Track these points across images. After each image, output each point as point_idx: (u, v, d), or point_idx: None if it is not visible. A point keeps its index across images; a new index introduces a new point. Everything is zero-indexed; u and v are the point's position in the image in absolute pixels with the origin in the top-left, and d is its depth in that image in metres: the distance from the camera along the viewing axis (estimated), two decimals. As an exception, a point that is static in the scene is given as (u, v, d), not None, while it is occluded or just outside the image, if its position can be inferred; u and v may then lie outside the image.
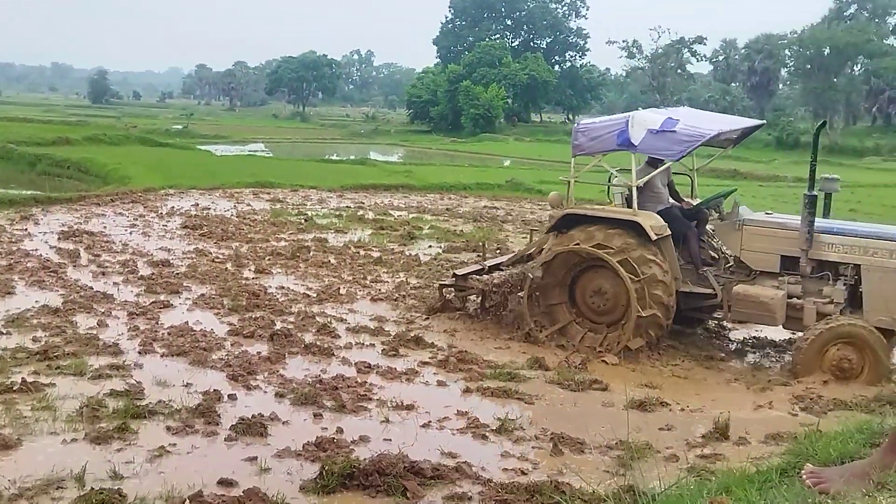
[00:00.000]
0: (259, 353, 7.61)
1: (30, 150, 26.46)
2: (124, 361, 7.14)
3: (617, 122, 8.44)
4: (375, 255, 12.70)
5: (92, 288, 9.70)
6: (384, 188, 22.01)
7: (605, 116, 9.86)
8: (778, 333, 9.39)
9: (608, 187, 9.47)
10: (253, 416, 5.91)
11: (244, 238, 13.62)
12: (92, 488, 4.67)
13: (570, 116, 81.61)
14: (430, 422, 6.18)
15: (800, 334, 8.64)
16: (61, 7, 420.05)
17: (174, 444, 5.49)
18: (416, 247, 13.78)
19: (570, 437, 5.95)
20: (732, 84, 71.49)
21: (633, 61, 71.50)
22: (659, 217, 8.34)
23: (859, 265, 7.83)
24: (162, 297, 9.45)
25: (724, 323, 9.59)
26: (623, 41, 70.47)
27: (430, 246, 13.93)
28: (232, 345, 7.88)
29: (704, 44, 70.07)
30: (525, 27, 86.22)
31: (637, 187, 8.24)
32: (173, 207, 16.66)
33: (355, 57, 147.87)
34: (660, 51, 68.77)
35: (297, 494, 4.87)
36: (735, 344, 9.26)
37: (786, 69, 71.42)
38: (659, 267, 8.01)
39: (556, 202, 8.98)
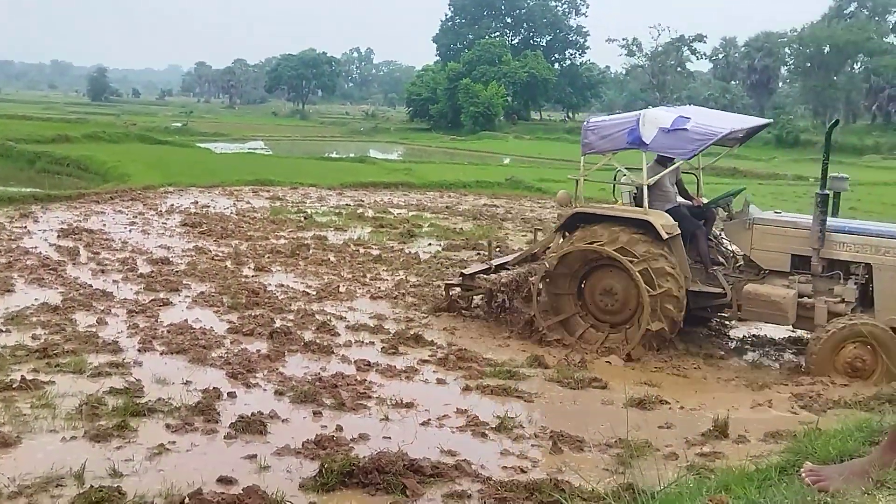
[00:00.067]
0: (258, 350, 7.61)
1: (29, 148, 26.46)
2: (124, 359, 7.14)
3: (627, 120, 8.41)
4: (375, 252, 12.70)
5: (91, 286, 9.70)
6: (384, 186, 22.00)
7: (614, 115, 9.83)
8: (778, 332, 9.40)
9: (613, 186, 9.45)
10: (252, 414, 5.91)
11: (244, 236, 13.62)
12: (91, 486, 4.67)
13: (570, 115, 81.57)
14: (429, 420, 6.18)
15: (808, 334, 8.66)
16: (61, 5, 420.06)
17: (174, 442, 5.49)
18: (416, 245, 13.78)
19: (569, 436, 5.95)
20: (732, 82, 71.49)
21: (632, 59, 71.68)
22: (669, 216, 8.32)
23: (871, 264, 7.83)
24: (161, 295, 9.45)
25: (725, 321, 9.59)
26: (623, 39, 70.72)
27: (430, 244, 13.93)
28: (231, 343, 7.87)
29: (704, 42, 70.20)
30: (525, 25, 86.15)
31: (644, 187, 8.22)
32: (173, 205, 16.65)
33: (355, 55, 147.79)
34: (660, 49, 68.79)
35: (296, 492, 4.87)
36: (735, 342, 9.26)
37: (786, 67, 71.44)
38: (675, 280, 7.96)
39: (565, 201, 8.92)
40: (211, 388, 6.46)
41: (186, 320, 8.42)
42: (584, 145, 8.62)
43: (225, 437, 5.66)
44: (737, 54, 73.11)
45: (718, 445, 5.90)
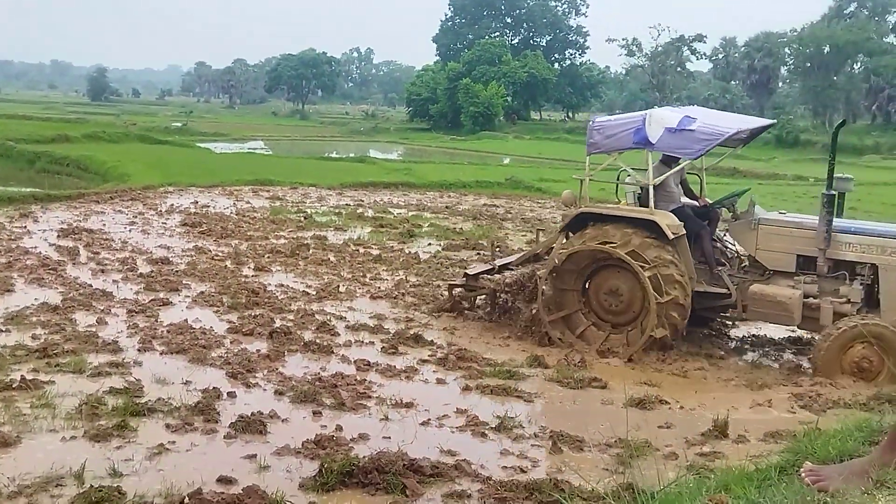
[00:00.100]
0: (258, 350, 7.61)
1: (29, 148, 26.47)
2: (123, 359, 7.14)
3: (633, 119, 8.39)
4: (375, 252, 12.70)
5: (91, 285, 9.70)
6: (384, 186, 22.01)
7: (617, 114, 9.80)
8: (777, 332, 9.40)
9: (616, 186, 9.42)
10: (252, 414, 5.91)
11: (243, 236, 13.62)
12: (91, 486, 4.67)
13: (570, 115, 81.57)
14: (429, 420, 6.18)
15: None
16: (61, 5, 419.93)
17: (173, 442, 5.49)
18: (416, 245, 13.78)
19: (569, 435, 5.95)
20: (732, 82, 71.49)
21: (632, 59, 71.61)
22: (674, 216, 8.29)
23: (877, 265, 7.83)
24: (161, 295, 9.45)
25: (726, 321, 9.58)
26: (623, 39, 70.59)
27: (430, 244, 13.93)
28: (231, 342, 7.88)
29: (704, 42, 70.15)
30: (525, 25, 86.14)
31: (649, 187, 8.20)
32: (172, 205, 16.65)
33: (355, 54, 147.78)
34: (659, 49, 68.75)
35: (296, 492, 4.87)
36: (734, 342, 9.26)
37: (785, 67, 71.43)
38: (682, 289, 7.91)
39: (570, 200, 8.87)
40: (211, 387, 6.46)
41: (186, 320, 8.42)
42: (589, 145, 8.57)
43: (225, 437, 5.66)
44: (737, 54, 73.11)
45: (718, 445, 5.90)
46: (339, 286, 10.40)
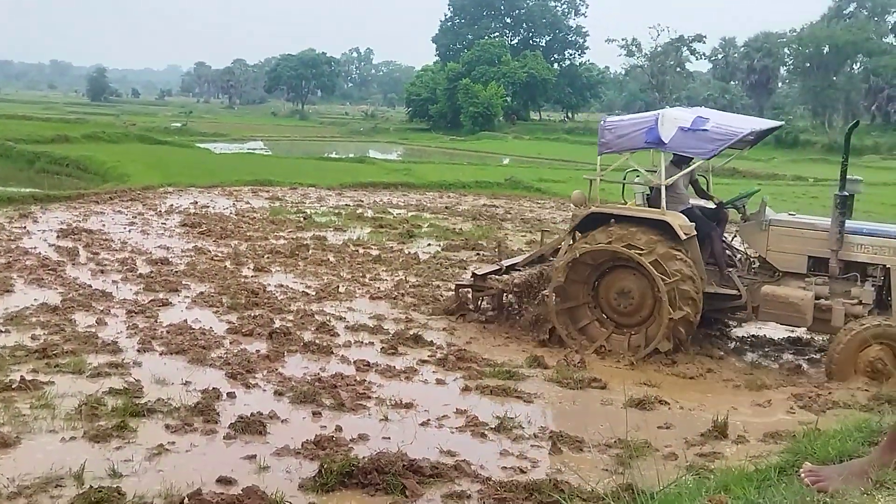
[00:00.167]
0: (258, 351, 7.61)
1: (29, 148, 26.46)
2: (123, 359, 7.14)
3: (646, 119, 8.35)
4: (374, 253, 12.70)
5: (91, 286, 9.69)
6: (383, 186, 22.01)
7: (630, 114, 9.75)
8: (777, 332, 9.40)
9: (623, 186, 9.36)
10: (252, 415, 5.92)
11: (243, 236, 13.62)
12: (91, 486, 4.67)
13: (570, 115, 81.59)
14: (428, 420, 6.18)
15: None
16: (60, 5, 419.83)
17: (173, 443, 5.49)
18: (416, 245, 13.78)
19: (568, 436, 5.96)
20: (731, 82, 71.50)
21: (632, 59, 71.59)
22: (685, 217, 8.26)
23: (889, 267, 7.82)
24: (161, 296, 9.45)
25: (727, 322, 9.56)
26: (622, 39, 70.55)
27: (430, 244, 13.93)
28: (231, 343, 7.87)
29: (704, 42, 70.14)
30: (524, 25, 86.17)
31: (659, 188, 8.16)
32: (172, 205, 16.65)
33: (354, 55, 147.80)
34: (659, 49, 68.74)
35: (296, 493, 4.87)
36: (734, 342, 9.26)
37: (785, 67, 71.43)
38: (694, 305, 7.87)
39: (580, 200, 8.81)
40: (210, 388, 6.46)
41: (186, 321, 8.42)
42: (600, 144, 8.50)
43: (224, 438, 5.66)
44: (736, 54, 73.11)
45: (718, 446, 5.91)
46: (338, 287, 10.40)
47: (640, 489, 3.81)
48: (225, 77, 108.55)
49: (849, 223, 8.00)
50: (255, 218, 15.59)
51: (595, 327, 8.48)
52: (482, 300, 9.52)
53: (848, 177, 8.11)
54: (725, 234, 9.14)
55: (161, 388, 6.47)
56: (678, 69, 70.92)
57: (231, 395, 6.44)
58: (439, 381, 7.19)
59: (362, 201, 18.99)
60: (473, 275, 9.51)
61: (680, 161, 8.57)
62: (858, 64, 62.52)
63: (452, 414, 6.34)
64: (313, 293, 10.01)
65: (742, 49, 72.23)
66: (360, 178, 22.81)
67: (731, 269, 8.53)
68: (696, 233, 8.17)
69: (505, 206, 19.51)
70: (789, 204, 17.50)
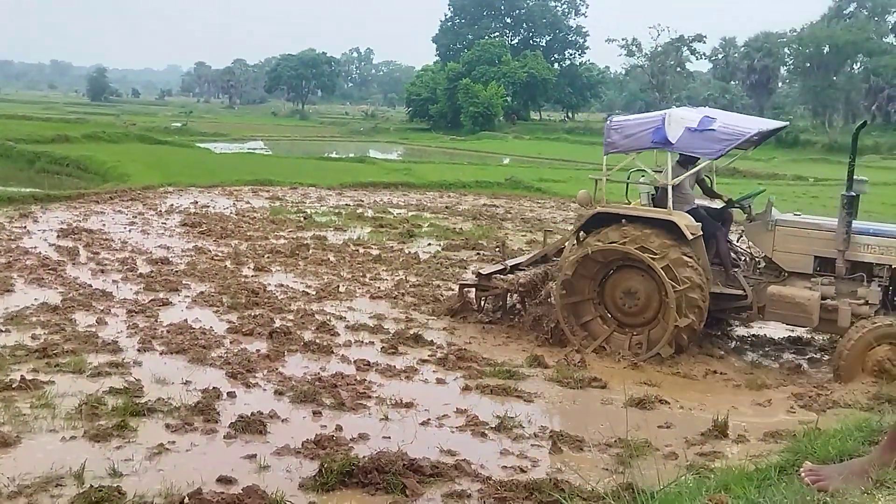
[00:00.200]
0: (258, 350, 7.61)
1: (29, 148, 26.46)
2: (123, 359, 7.14)
3: (652, 119, 8.34)
4: (375, 252, 12.70)
5: (91, 286, 9.69)
6: (383, 186, 22.01)
7: (636, 115, 9.71)
8: (777, 332, 9.40)
9: (626, 186, 9.32)
10: (252, 414, 5.91)
11: (243, 236, 13.62)
12: (91, 486, 4.67)
13: (570, 115, 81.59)
14: (429, 419, 6.18)
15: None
16: (61, 5, 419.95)
17: (173, 442, 5.49)
18: (416, 245, 13.78)
19: (569, 435, 5.96)
20: (732, 82, 71.49)
21: (632, 59, 71.59)
22: (691, 217, 8.24)
23: (895, 267, 7.82)
24: (161, 295, 9.45)
25: (729, 322, 9.55)
26: (622, 39, 70.57)
27: (430, 244, 13.93)
28: (231, 342, 7.87)
29: (704, 42, 70.13)
30: (524, 25, 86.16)
31: (665, 188, 8.13)
32: (172, 205, 16.65)
33: (355, 55, 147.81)
34: (659, 49, 68.74)
35: (296, 492, 4.87)
36: (734, 342, 9.26)
37: (785, 67, 71.40)
38: (699, 314, 7.86)
39: (585, 200, 8.77)
40: (210, 387, 6.46)
41: (186, 320, 8.42)
42: (606, 144, 8.48)
43: (224, 437, 5.66)
44: (736, 54, 73.09)
45: (718, 445, 5.91)
46: (338, 286, 10.40)
47: (641, 488, 3.81)
48: (225, 77, 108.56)
49: (855, 223, 7.98)
50: (255, 218, 15.59)
51: (597, 324, 8.46)
52: (486, 300, 9.51)
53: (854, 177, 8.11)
54: (729, 235, 9.13)
55: (161, 388, 6.48)
56: (678, 69, 70.91)
57: (231, 395, 6.44)
58: (439, 381, 7.19)
59: (362, 201, 18.99)
60: (478, 274, 9.46)
61: (686, 161, 8.55)
62: (859, 64, 62.51)
63: (453, 413, 6.34)
64: (313, 293, 10.01)
65: (742, 49, 72.22)
66: (360, 178, 22.81)
67: (736, 269, 8.52)
68: (701, 233, 8.17)
69: (505, 206, 19.51)
70: (789, 203, 17.49)
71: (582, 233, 8.65)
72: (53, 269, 10.38)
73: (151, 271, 10.66)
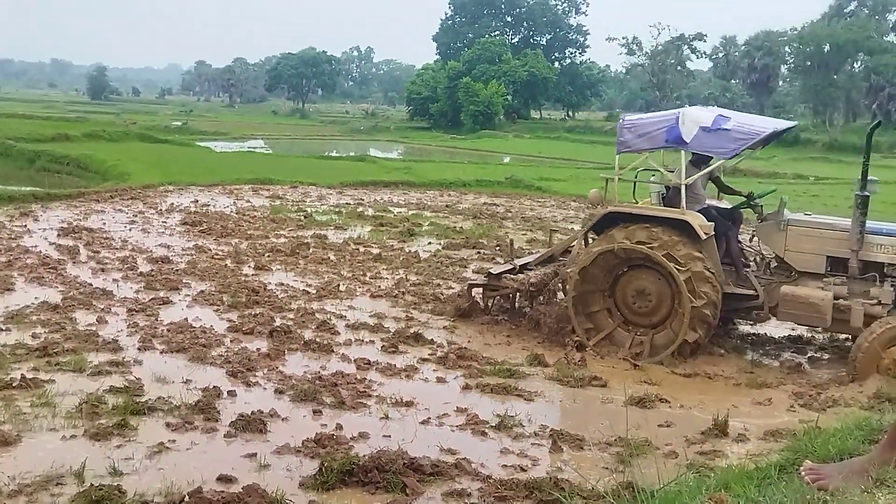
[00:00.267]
0: (258, 349, 7.61)
1: (29, 147, 26.46)
2: (124, 358, 7.14)
3: (666, 118, 8.31)
4: (375, 251, 12.70)
5: (91, 284, 9.70)
6: (384, 185, 22.02)
7: (647, 114, 9.67)
8: (777, 331, 9.41)
9: (634, 186, 9.27)
10: (252, 413, 5.92)
11: (244, 235, 13.62)
12: (91, 484, 4.67)
13: (570, 113, 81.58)
14: (429, 418, 6.19)
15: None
16: (61, 3, 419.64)
17: (173, 441, 5.49)
18: (416, 243, 13.78)
19: (569, 434, 5.96)
20: (732, 81, 71.47)
21: (632, 58, 71.57)
22: (703, 217, 8.21)
23: None
24: (161, 294, 9.46)
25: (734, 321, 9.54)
26: (623, 38, 70.55)
27: (430, 242, 13.94)
28: (231, 341, 7.88)
29: (704, 41, 70.11)
30: (525, 24, 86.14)
31: (677, 187, 8.10)
32: (172, 204, 16.65)
33: (355, 53, 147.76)
34: (660, 47, 68.72)
35: (296, 491, 4.87)
36: (734, 341, 9.25)
37: (786, 66, 71.34)
38: (707, 329, 7.88)
39: (597, 200, 8.71)
40: (211, 386, 6.47)
41: (186, 319, 8.42)
42: (619, 143, 8.43)
43: (225, 436, 5.66)
44: (737, 53, 73.08)
45: (718, 444, 5.91)
46: (339, 285, 10.40)
47: (641, 487, 3.81)
48: (225, 76, 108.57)
49: (868, 223, 7.98)
50: (255, 216, 15.59)
51: (603, 316, 8.42)
52: (494, 300, 9.49)
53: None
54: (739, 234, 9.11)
55: (161, 387, 6.48)
56: (679, 68, 70.88)
57: (231, 394, 6.44)
58: (440, 380, 7.19)
59: (363, 200, 18.99)
60: (488, 274, 9.42)
61: (698, 161, 8.53)
62: (859, 62, 62.43)
63: (453, 412, 6.34)
64: (314, 291, 10.01)
65: (743, 48, 72.21)
66: (360, 177, 22.82)
67: (747, 269, 8.50)
68: (713, 233, 8.15)
69: (505, 205, 19.51)
70: (790, 202, 17.46)
71: (593, 233, 8.61)
72: (54, 268, 10.38)
73: (152, 270, 10.66)
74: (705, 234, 7.99)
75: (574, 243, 9.30)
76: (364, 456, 5.13)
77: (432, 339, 8.33)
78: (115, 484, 4.70)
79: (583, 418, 6.45)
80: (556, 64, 79.53)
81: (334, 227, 14.98)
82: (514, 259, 9.90)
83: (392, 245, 13.45)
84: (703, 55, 72.40)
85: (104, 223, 14.13)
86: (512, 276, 9.25)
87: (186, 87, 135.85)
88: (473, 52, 70.79)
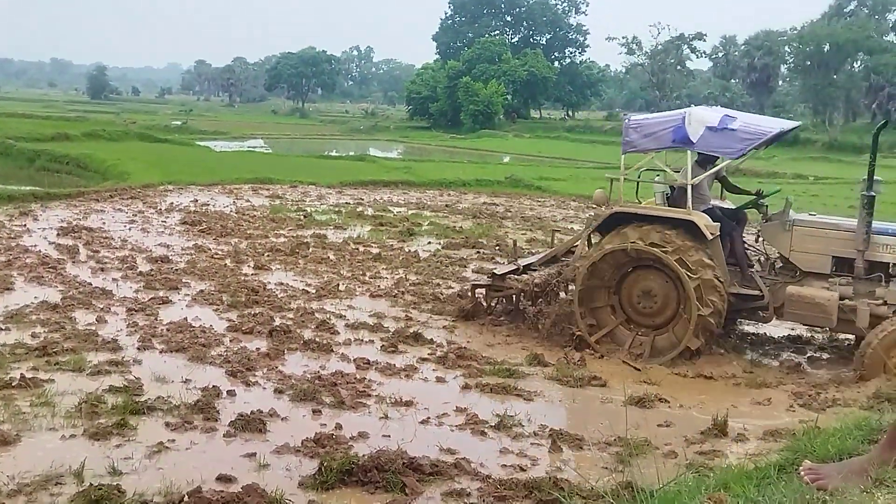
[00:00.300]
0: (258, 349, 7.61)
1: (29, 146, 26.46)
2: (123, 357, 7.14)
3: (672, 118, 8.30)
4: (374, 251, 12.70)
5: (91, 284, 9.69)
6: (383, 184, 22.01)
7: (653, 114, 9.66)
8: (777, 330, 9.40)
9: (637, 185, 9.25)
10: (252, 413, 5.91)
11: (243, 234, 13.62)
12: (90, 484, 4.67)
13: (570, 113, 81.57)
14: (428, 418, 6.19)
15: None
16: (61, 3, 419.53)
17: (173, 440, 5.49)
18: (416, 243, 13.78)
19: (568, 434, 5.96)
20: (732, 80, 71.45)
21: (632, 58, 71.53)
22: (709, 217, 8.20)
23: None
24: (161, 294, 9.45)
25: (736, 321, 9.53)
26: (623, 37, 70.51)
27: (430, 242, 13.94)
28: (231, 341, 7.88)
29: (704, 40, 70.09)
30: (525, 23, 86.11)
31: (683, 187, 8.10)
32: (172, 203, 16.65)
33: (355, 53, 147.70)
34: (659, 47, 68.69)
35: (295, 490, 4.87)
36: (734, 340, 9.25)
37: (785, 66, 71.32)
38: (710, 336, 7.92)
39: (602, 200, 8.68)
40: (210, 386, 6.47)
41: (186, 318, 8.42)
42: (625, 143, 8.41)
43: (224, 436, 5.66)
44: (736, 53, 73.06)
45: (718, 444, 5.91)
46: (338, 285, 10.40)
47: (640, 487, 3.81)
48: (225, 75, 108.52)
49: (874, 223, 7.98)
50: (255, 216, 15.58)
51: (606, 312, 8.41)
52: (498, 301, 9.48)
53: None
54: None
55: (161, 386, 6.48)
56: (679, 67, 70.85)
57: (231, 393, 6.44)
58: (439, 379, 7.19)
59: (362, 199, 18.99)
60: (493, 275, 9.39)
61: (704, 161, 8.52)
62: (859, 62, 62.41)
63: (452, 412, 6.34)
64: (313, 291, 10.01)
65: (742, 47, 72.19)
66: (360, 177, 22.82)
67: (752, 270, 8.50)
68: (719, 233, 8.14)
69: (505, 205, 19.50)
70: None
71: (598, 233, 8.59)
72: (53, 268, 10.37)
73: (151, 269, 10.66)
74: (711, 234, 7.98)
75: (577, 243, 9.28)
76: (363, 455, 5.13)
77: (432, 339, 8.33)
78: (115, 483, 4.70)
79: (582, 418, 6.45)
80: (556, 63, 79.51)
81: (334, 226, 14.98)
82: (517, 259, 9.88)
83: (392, 245, 13.45)
84: (703, 55, 72.43)
85: (104, 223, 14.13)
86: (516, 276, 9.24)
87: (186, 87, 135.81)
88: (473, 52, 70.77)
